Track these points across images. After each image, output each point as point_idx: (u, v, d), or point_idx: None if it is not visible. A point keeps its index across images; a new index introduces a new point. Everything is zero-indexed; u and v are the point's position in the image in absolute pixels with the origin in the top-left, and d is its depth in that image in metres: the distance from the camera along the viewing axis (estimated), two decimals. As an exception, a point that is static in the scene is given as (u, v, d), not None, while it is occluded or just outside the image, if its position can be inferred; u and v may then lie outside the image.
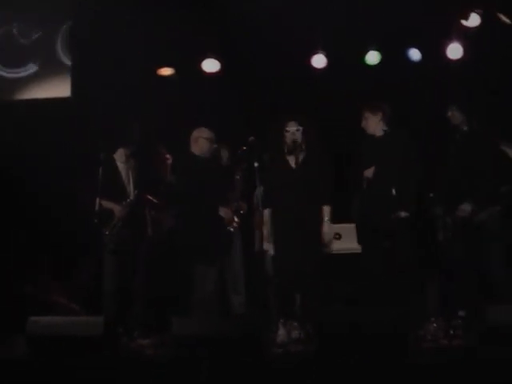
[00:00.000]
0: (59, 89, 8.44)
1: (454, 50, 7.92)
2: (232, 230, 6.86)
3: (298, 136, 6.36)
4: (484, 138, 6.36)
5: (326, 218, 6.33)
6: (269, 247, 6.48)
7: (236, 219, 6.92)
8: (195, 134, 6.81)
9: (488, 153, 6.31)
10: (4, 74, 8.69)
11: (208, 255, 6.44)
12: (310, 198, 6.26)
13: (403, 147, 6.49)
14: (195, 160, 6.73)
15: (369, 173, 6.52)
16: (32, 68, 8.60)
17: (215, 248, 6.51)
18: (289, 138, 6.36)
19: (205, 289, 6.43)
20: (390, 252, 6.29)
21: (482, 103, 6.62)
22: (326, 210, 6.35)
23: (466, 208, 6.28)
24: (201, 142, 6.75)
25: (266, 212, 6.39)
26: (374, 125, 6.62)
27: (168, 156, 7.16)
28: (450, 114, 6.47)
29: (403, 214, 6.41)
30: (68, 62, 8.52)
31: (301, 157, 6.36)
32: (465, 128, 6.42)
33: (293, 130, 6.36)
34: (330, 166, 6.42)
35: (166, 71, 8.35)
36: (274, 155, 6.50)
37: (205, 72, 8.28)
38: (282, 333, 5.75)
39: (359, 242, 6.72)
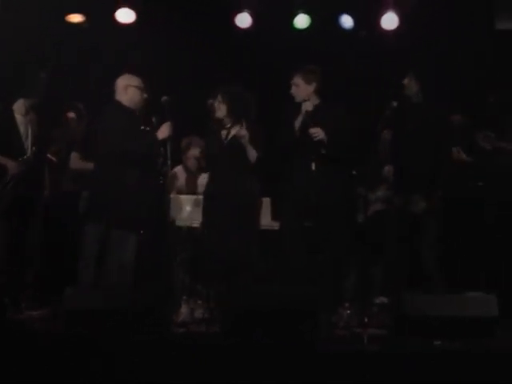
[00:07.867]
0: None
1: (389, 20, 7.56)
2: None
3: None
4: (433, 112, 6.09)
5: None
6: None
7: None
8: (122, 81, 6.07)
9: (434, 129, 6.04)
10: None
11: (125, 220, 5.82)
12: (238, 171, 5.96)
13: (340, 120, 6.00)
14: (124, 111, 5.99)
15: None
16: None
17: (134, 213, 5.86)
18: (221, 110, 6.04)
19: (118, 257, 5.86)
20: (314, 231, 5.95)
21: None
22: None
23: (420, 204, 6.00)
24: (130, 91, 6.02)
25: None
26: (305, 94, 6.06)
27: (71, 114, 6.89)
28: (406, 81, 6.12)
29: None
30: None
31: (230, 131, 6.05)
32: (415, 100, 6.12)
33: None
34: None
35: (76, 18, 7.79)
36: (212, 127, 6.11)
37: (119, 22, 7.76)
38: (184, 311, 5.65)
39: (274, 218, 6.39)
